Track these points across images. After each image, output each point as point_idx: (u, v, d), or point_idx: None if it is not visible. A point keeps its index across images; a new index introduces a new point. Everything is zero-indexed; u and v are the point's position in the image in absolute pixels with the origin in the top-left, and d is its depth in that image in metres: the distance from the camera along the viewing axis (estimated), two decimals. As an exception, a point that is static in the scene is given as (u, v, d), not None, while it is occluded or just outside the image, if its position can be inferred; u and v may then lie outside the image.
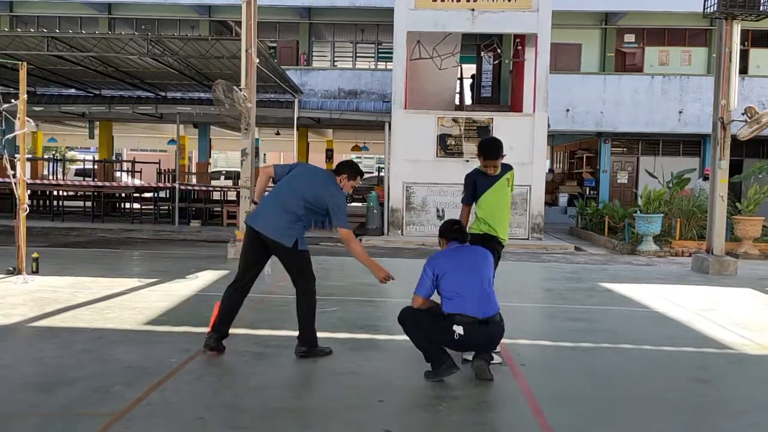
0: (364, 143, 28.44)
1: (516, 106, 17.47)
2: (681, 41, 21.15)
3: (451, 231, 4.49)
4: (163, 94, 17.93)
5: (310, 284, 4.65)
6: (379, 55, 21.71)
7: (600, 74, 20.40)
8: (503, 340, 4.54)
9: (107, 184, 18.10)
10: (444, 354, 4.22)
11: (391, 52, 16.42)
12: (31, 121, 8.24)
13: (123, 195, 18.65)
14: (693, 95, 19.47)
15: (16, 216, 7.83)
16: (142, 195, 18.75)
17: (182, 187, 17.19)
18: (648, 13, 20.29)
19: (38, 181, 18.40)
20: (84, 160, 25.57)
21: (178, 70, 14.65)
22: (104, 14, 21.56)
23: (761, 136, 12.71)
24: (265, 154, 35.12)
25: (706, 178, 14.03)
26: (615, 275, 9.75)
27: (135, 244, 13.07)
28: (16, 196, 7.72)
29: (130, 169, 23.62)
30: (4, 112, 7.43)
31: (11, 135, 7.98)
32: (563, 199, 22.16)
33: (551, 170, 24.98)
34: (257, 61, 10.78)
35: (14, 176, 7.65)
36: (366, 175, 37.86)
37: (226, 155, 46.80)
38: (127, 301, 6.56)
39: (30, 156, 20.22)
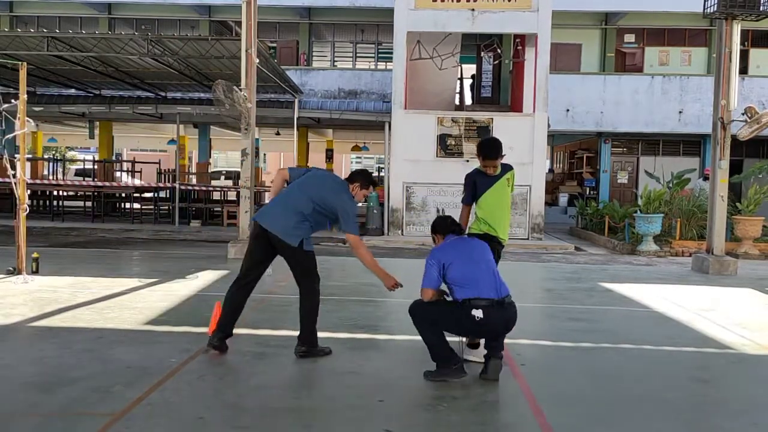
0: (364, 143, 28.42)
1: (516, 106, 17.47)
2: (681, 41, 21.15)
3: (447, 225, 4.52)
4: (163, 94, 17.93)
5: (314, 284, 4.66)
6: (379, 55, 21.71)
7: (600, 74, 20.40)
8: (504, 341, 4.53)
9: (107, 184, 18.10)
10: (453, 356, 4.23)
11: (391, 52, 16.43)
12: (31, 121, 8.24)
13: (123, 195, 18.65)
14: (693, 95, 19.47)
15: (16, 216, 7.83)
16: (142, 195, 18.75)
17: (182, 187, 17.18)
18: (648, 13, 20.29)
19: (38, 181, 18.39)
20: (84, 160, 25.57)
21: (178, 70, 14.65)
22: (104, 14, 21.55)
23: (761, 136, 12.72)
24: (265, 154, 35.09)
25: (706, 178, 14.04)
26: (615, 275, 9.75)
27: (135, 244, 13.07)
28: (16, 196, 7.72)
29: (130, 169, 23.62)
30: (4, 112, 7.43)
31: (11, 135, 7.98)
32: (563, 199, 22.16)
33: (551, 170, 24.98)
34: (257, 61, 10.78)
35: (14, 176, 7.65)
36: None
37: (226, 155, 46.80)
38: (127, 301, 6.56)
39: (30, 156, 20.22)
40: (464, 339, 4.68)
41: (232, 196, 19.42)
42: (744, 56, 18.85)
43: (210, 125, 22.82)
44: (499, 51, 17.83)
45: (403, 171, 15.37)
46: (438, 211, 15.16)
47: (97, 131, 23.00)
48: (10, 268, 7.75)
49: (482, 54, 18.51)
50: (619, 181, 21.63)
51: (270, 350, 4.85)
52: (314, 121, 20.58)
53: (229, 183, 25.42)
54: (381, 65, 21.32)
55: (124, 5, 21.46)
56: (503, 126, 15.11)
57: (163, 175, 19.04)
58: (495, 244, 4.87)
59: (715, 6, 9.94)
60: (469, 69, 20.72)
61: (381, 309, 6.78)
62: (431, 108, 16.45)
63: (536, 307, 7.11)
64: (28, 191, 12.85)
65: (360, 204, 4.89)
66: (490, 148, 4.96)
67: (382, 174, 20.70)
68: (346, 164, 46.34)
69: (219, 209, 18.04)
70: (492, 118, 15.43)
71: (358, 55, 22.10)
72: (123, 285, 7.42)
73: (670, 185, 14.59)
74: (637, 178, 21.22)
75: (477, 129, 15.22)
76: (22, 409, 3.58)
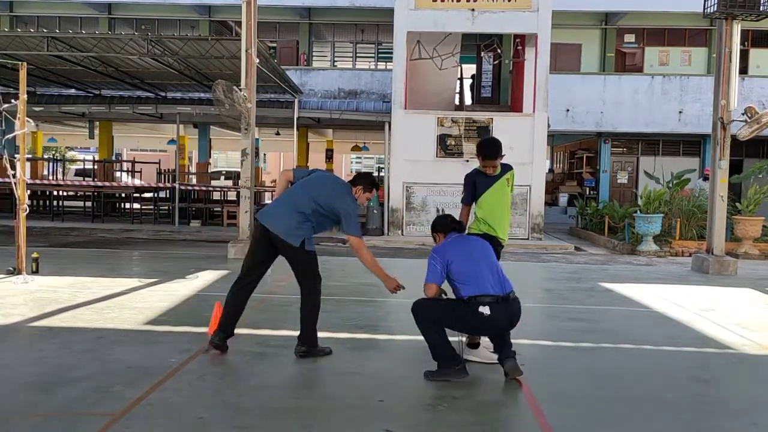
0: (364, 143, 28.42)
1: (516, 106, 17.47)
2: (681, 41, 21.15)
3: (448, 223, 4.53)
4: (163, 94, 17.94)
5: (315, 284, 4.66)
6: (379, 55, 21.71)
7: (600, 74, 20.40)
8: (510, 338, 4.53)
9: (107, 184, 18.10)
10: (455, 356, 4.24)
11: (391, 52, 16.43)
12: (31, 121, 8.24)
13: (123, 195, 18.65)
14: (693, 95, 19.47)
15: (16, 216, 7.83)
16: (142, 195, 18.75)
17: (182, 187, 17.19)
18: (648, 13, 20.29)
19: (38, 181, 18.39)
20: (84, 160, 25.56)
21: (178, 70, 14.65)
22: (104, 14, 21.56)
23: (761, 136, 12.72)
24: (265, 154, 35.09)
25: (706, 178, 14.04)
26: (615, 275, 9.75)
27: (135, 244, 13.07)
28: (16, 196, 7.72)
29: (130, 169, 23.62)
30: (4, 112, 7.43)
31: (11, 135, 7.98)
32: (563, 199, 22.16)
33: (551, 170, 24.99)
34: (257, 61, 10.78)
35: (14, 176, 7.65)
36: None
37: (226, 155, 46.79)
38: (127, 301, 6.56)
39: (30, 156, 20.22)
40: (464, 339, 4.68)
41: (232, 196, 19.42)
42: (744, 56, 18.85)
43: (210, 125, 22.82)
44: (499, 51, 17.83)
45: (403, 171, 15.38)
46: (438, 211, 15.16)
47: (97, 131, 23.00)
48: (10, 268, 7.75)
49: (482, 54, 18.52)
50: (619, 181, 21.63)
51: (270, 350, 4.85)
52: (314, 121, 20.58)
53: (229, 183, 25.41)
54: (381, 65, 21.32)
55: (124, 5, 21.46)
56: (503, 126, 15.11)
57: (163, 175, 19.04)
58: (495, 244, 4.86)
59: (715, 6, 9.94)
60: (469, 69, 20.73)
61: (381, 309, 6.78)
62: (431, 108, 16.45)
63: (536, 307, 7.10)
64: (28, 191, 12.85)
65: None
66: (489, 148, 4.96)
67: (382, 174, 20.70)
68: (346, 164, 46.35)
69: (219, 209, 18.03)
70: (492, 118, 15.43)
71: (358, 55, 22.10)
72: (123, 285, 7.42)
73: (670, 185, 14.59)
74: (637, 178, 21.22)
75: (477, 129, 15.22)
76: (22, 409, 3.58)
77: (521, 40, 16.77)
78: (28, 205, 9.43)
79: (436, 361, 4.26)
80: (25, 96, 7.86)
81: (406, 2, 15.26)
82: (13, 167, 7.77)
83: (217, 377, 4.25)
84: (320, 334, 4.78)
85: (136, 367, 4.32)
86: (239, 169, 11.37)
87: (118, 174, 25.18)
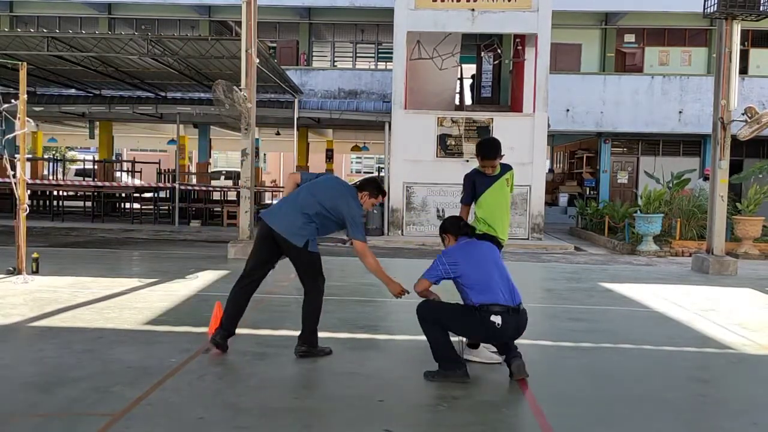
0: (364, 143, 28.43)
1: (516, 106, 17.47)
2: (681, 41, 21.16)
3: (460, 227, 4.51)
4: (163, 94, 17.94)
5: (318, 284, 4.66)
6: (379, 55, 21.71)
7: (600, 74, 20.40)
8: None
9: (107, 184, 18.10)
10: (457, 358, 4.25)
11: (391, 52, 16.43)
12: (31, 121, 8.24)
13: (123, 195, 18.66)
14: (693, 95, 19.47)
15: (16, 216, 7.83)
16: (142, 195, 18.75)
17: (182, 187, 17.19)
18: (648, 13, 20.29)
19: (38, 181, 18.40)
20: (84, 160, 25.56)
21: (178, 70, 14.65)
22: (104, 14, 21.56)
23: (761, 136, 12.72)
24: (265, 154, 35.10)
25: (706, 178, 14.04)
26: (615, 275, 9.75)
27: (135, 244, 13.07)
28: (16, 196, 7.72)
29: (130, 169, 23.62)
30: (4, 112, 7.43)
31: (11, 135, 7.98)
32: (563, 199, 22.16)
33: (551, 170, 24.99)
34: (257, 61, 10.78)
35: (14, 176, 7.65)
36: (366, 175, 37.90)
37: (226, 155, 46.80)
38: (127, 301, 6.56)
39: (30, 156, 20.22)
40: (464, 339, 4.68)
41: (232, 196, 19.42)
42: (744, 56, 18.85)
43: (210, 125, 22.83)
44: (499, 51, 17.84)
45: (403, 171, 15.38)
46: (438, 211, 15.18)
47: (97, 131, 23.01)
48: (10, 268, 7.75)
49: (482, 54, 18.52)
50: (619, 181, 21.63)
51: (270, 350, 4.85)
52: (314, 121, 20.58)
53: (229, 183, 25.42)
54: (381, 65, 21.32)
55: (124, 5, 21.46)
56: (503, 126, 15.12)
57: (163, 175, 19.04)
58: (494, 244, 4.86)
59: (715, 6, 9.94)
60: (469, 69, 20.73)
61: (381, 309, 6.78)
62: (431, 108, 16.45)
63: (536, 307, 7.10)
64: (28, 191, 12.85)
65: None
66: (488, 148, 4.96)
67: (382, 174, 20.71)
68: (346, 164, 46.37)
69: (219, 209, 18.04)
70: (492, 118, 15.43)
71: (358, 55, 22.10)
72: (123, 285, 7.42)
73: (670, 185, 14.59)
74: (637, 178, 21.22)
75: (477, 129, 15.22)
76: (22, 409, 3.58)
77: (521, 40, 16.77)
78: (28, 205, 9.43)
79: (437, 362, 4.26)
80: (25, 96, 7.86)
81: (406, 2, 15.26)
82: (13, 167, 7.78)
83: (217, 377, 4.25)
84: (320, 334, 4.78)
85: (136, 367, 4.32)
86: (239, 169, 11.36)
87: (118, 174, 25.18)
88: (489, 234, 4.88)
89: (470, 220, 5.08)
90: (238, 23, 12.49)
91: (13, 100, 7.67)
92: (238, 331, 4.80)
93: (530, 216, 15.14)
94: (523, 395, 4.06)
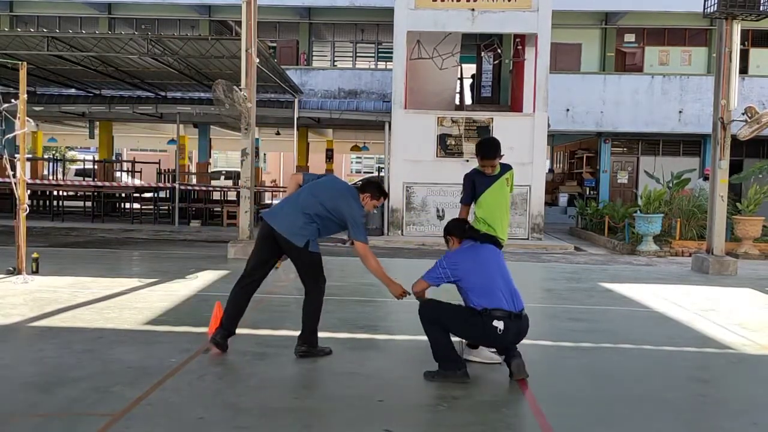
0: (364, 143, 28.43)
1: (516, 106, 17.48)
2: (681, 41, 21.16)
3: (464, 230, 4.50)
4: (163, 94, 17.94)
5: (319, 284, 4.66)
6: (379, 55, 21.71)
7: (600, 74, 20.40)
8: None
9: (107, 184, 18.11)
10: (457, 359, 4.25)
11: (391, 52, 16.43)
12: (31, 121, 8.24)
13: (123, 195, 18.66)
14: (693, 95, 19.47)
15: (16, 216, 7.83)
16: (142, 195, 18.75)
17: (182, 187, 17.19)
18: (648, 13, 20.29)
19: (38, 181, 18.40)
20: (84, 160, 25.57)
21: (178, 70, 14.65)
22: (104, 14, 21.56)
23: (761, 136, 12.72)
24: (265, 154, 35.10)
25: (706, 178, 14.04)
26: (615, 275, 9.75)
27: (135, 244, 13.07)
28: (16, 196, 7.72)
29: (130, 169, 23.62)
30: (4, 112, 7.43)
31: (11, 135, 7.98)
32: (563, 199, 22.16)
33: (551, 170, 24.99)
34: (257, 61, 10.78)
35: (14, 176, 7.65)
36: (366, 175, 37.90)
37: (226, 155, 46.80)
38: (127, 301, 6.56)
39: (30, 156, 20.22)
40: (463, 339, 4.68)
41: (232, 196, 19.42)
42: (744, 56, 18.85)
43: (210, 125, 22.83)
44: (499, 51, 17.84)
45: (403, 171, 15.38)
46: (438, 211, 15.18)
47: (97, 131, 23.01)
48: (10, 268, 7.75)
49: (482, 54, 18.52)
50: (619, 181, 21.63)
51: (270, 350, 4.85)
52: (314, 121, 20.59)
53: (229, 183, 25.43)
54: (381, 65, 21.32)
55: (124, 5, 21.46)
56: (503, 126, 15.11)
57: (163, 175, 19.04)
58: (494, 245, 4.86)
59: (715, 6, 9.93)
60: (469, 69, 20.73)
61: (381, 309, 6.78)
62: (431, 108, 16.45)
63: (536, 307, 7.10)
64: (28, 191, 12.85)
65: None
66: (487, 148, 4.96)
67: (382, 174, 20.71)
68: (346, 164, 46.37)
69: (219, 209, 18.03)
70: (492, 118, 15.43)
71: (358, 55, 22.10)
72: (123, 285, 7.42)
73: (670, 185, 14.59)
74: (637, 178, 21.23)
75: (477, 129, 15.22)
76: (22, 409, 3.58)
77: (521, 40, 16.77)
78: (28, 205, 9.43)
79: (437, 362, 4.26)
80: (25, 96, 7.86)
81: (406, 2, 15.26)
82: (13, 167, 7.77)
83: (217, 377, 4.25)
84: (320, 334, 4.78)
85: (136, 367, 4.32)
86: (239, 169, 11.36)
87: (118, 174, 25.20)
88: (489, 234, 4.88)
89: (470, 219, 5.08)
90: (238, 23, 12.49)
91: (13, 100, 7.67)
92: (238, 331, 4.80)
93: (530, 216, 15.14)
94: (523, 395, 4.06)
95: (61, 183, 18.86)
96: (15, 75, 10.99)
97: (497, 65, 18.60)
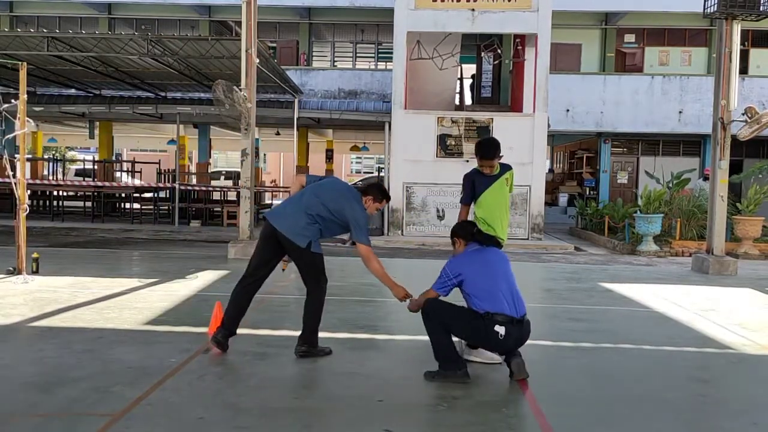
0: (364, 143, 28.44)
1: (516, 106, 17.48)
2: (681, 41, 21.16)
3: (471, 233, 4.48)
4: (163, 94, 17.94)
5: (320, 284, 4.67)
6: (379, 55, 21.71)
7: (600, 74, 20.40)
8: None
9: (107, 184, 18.11)
10: (458, 359, 4.25)
11: (391, 52, 16.43)
12: (31, 121, 8.24)
13: (123, 195, 18.65)
14: (693, 95, 19.47)
15: (16, 216, 7.83)
16: (142, 195, 18.75)
17: (182, 187, 17.19)
18: (648, 13, 20.30)
19: (38, 181, 18.40)
20: (84, 160, 25.57)
21: (178, 70, 14.65)
22: (104, 14, 21.56)
23: (761, 136, 12.72)
24: (265, 154, 35.11)
25: (706, 178, 14.04)
26: (615, 275, 9.75)
27: (135, 244, 13.07)
28: (16, 196, 7.72)
29: (130, 169, 23.63)
30: (4, 112, 7.43)
31: (11, 135, 7.98)
32: (563, 199, 22.17)
33: (551, 170, 24.99)
34: (257, 61, 10.78)
35: (14, 176, 7.65)
36: (366, 176, 37.90)
37: (226, 155, 46.80)
38: (127, 301, 6.56)
39: (30, 156, 20.22)
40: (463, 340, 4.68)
41: (232, 196, 19.42)
42: (744, 56, 18.85)
43: (210, 125, 22.83)
44: (499, 51, 17.83)
45: (403, 171, 15.38)
46: (438, 211, 15.18)
47: (97, 131, 23.01)
48: (10, 268, 7.75)
49: (482, 54, 18.52)
50: (619, 181, 21.63)
51: (270, 350, 4.85)
52: (314, 121, 20.59)
53: (229, 183, 25.42)
54: (381, 65, 21.33)
55: (124, 5, 21.46)
56: (503, 126, 15.12)
57: (163, 175, 19.05)
58: (494, 245, 4.86)
59: (715, 6, 9.94)
60: (469, 69, 20.73)
61: (381, 309, 6.78)
62: (431, 108, 16.46)
63: (536, 307, 7.10)
64: (28, 191, 12.85)
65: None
66: (486, 148, 4.96)
67: (382, 174, 20.70)
68: (346, 164, 46.37)
69: (219, 209, 18.04)
70: (492, 118, 15.43)
71: (358, 55, 22.10)
72: (123, 285, 7.42)
73: (670, 185, 14.59)
74: (637, 178, 21.23)
75: (477, 129, 15.22)
76: (22, 409, 3.58)
77: (521, 40, 16.78)
78: (28, 205, 9.43)
79: (438, 362, 4.26)
80: (25, 96, 7.86)
81: (406, 2, 15.26)
82: (13, 167, 7.78)
83: (217, 377, 4.25)
84: (320, 334, 4.78)
85: (136, 367, 4.32)
86: (239, 169, 11.36)
87: (118, 174, 25.21)
88: (488, 234, 4.88)
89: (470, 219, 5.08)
90: (238, 23, 12.49)
91: (13, 100, 7.67)
92: (238, 331, 4.80)
93: (530, 216, 15.14)
94: (523, 395, 4.06)
95: (61, 183, 18.86)
96: (15, 75, 10.99)
97: (497, 65, 18.60)
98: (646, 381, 4.43)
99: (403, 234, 15.19)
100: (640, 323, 6.34)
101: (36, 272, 7.86)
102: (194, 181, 21.85)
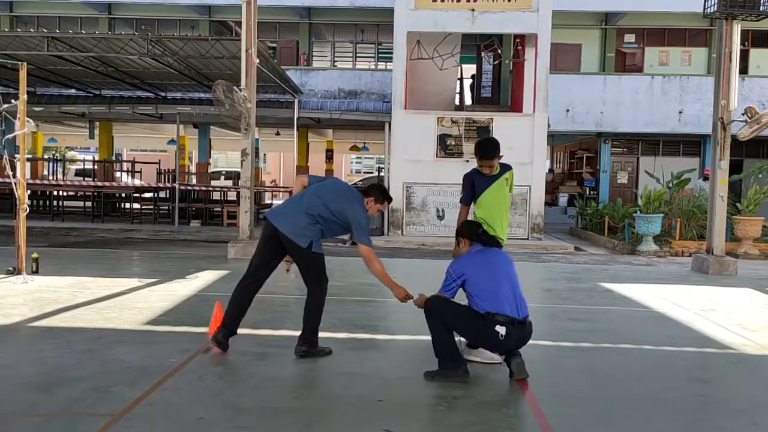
0: (364, 143, 28.44)
1: (516, 106, 17.48)
2: (681, 41, 21.16)
3: (476, 234, 4.48)
4: (163, 94, 17.94)
5: (321, 285, 4.67)
6: (379, 55, 21.71)
7: (600, 74, 20.40)
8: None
9: (107, 184, 18.11)
10: (458, 357, 4.25)
11: (391, 52, 16.43)
12: (31, 121, 8.24)
13: (123, 195, 18.66)
14: (693, 95, 19.47)
15: (16, 216, 7.83)
16: (142, 195, 18.75)
17: (182, 187, 17.19)
18: (648, 13, 20.30)
19: (38, 181, 18.40)
20: (84, 160, 25.57)
21: (178, 70, 14.65)
22: (104, 14, 21.56)
23: (761, 136, 12.71)
24: (265, 154, 35.11)
25: (706, 178, 14.04)
26: (615, 275, 9.75)
27: (135, 244, 13.07)
28: (16, 196, 7.72)
29: (130, 169, 23.63)
30: (4, 112, 7.43)
31: (11, 135, 7.98)
32: (563, 199, 22.17)
33: (551, 170, 24.99)
34: (257, 61, 10.78)
35: (14, 176, 7.65)
36: (366, 176, 37.91)
37: (226, 155, 46.80)
38: (127, 301, 6.56)
39: (30, 156, 20.22)
40: (464, 339, 4.68)
41: (232, 196, 19.42)
42: (744, 56, 18.85)
43: (210, 125, 22.84)
44: (499, 51, 17.83)
45: (403, 171, 15.38)
46: (438, 211, 15.18)
47: (97, 131, 23.02)
48: (10, 268, 7.75)
49: (482, 54, 18.51)
50: (619, 181, 21.64)
51: (270, 350, 4.85)
52: (314, 121, 20.59)
53: (229, 183, 25.43)
54: (381, 65, 21.33)
55: (124, 5, 21.46)
56: (503, 126, 15.12)
57: (162, 176, 19.05)
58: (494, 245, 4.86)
59: (715, 6, 9.93)
60: (469, 69, 20.72)
61: (381, 309, 6.78)
62: (431, 108, 16.46)
63: (536, 307, 7.09)
64: (28, 191, 12.85)
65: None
66: (486, 148, 4.96)
67: (382, 174, 20.70)
68: (346, 164, 46.36)
69: (219, 209, 18.03)
70: (492, 118, 15.43)
71: (358, 55, 22.10)
72: (123, 285, 7.42)
73: (670, 185, 14.59)
74: (637, 178, 21.23)
75: (477, 129, 15.22)
76: (22, 409, 3.58)
77: (521, 40, 16.78)
78: (28, 205, 9.43)
79: (438, 359, 4.26)
80: (25, 96, 7.86)
81: (406, 2, 15.26)
82: (13, 167, 7.78)
83: (217, 377, 4.25)
84: (320, 334, 4.78)
85: (136, 367, 4.32)
86: (239, 169, 11.36)
87: (118, 174, 25.21)
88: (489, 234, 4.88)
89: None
90: (238, 23, 12.49)
91: (13, 100, 7.67)
92: (238, 331, 4.80)
93: (530, 216, 15.14)
94: (523, 395, 4.06)
95: (61, 183, 18.86)
96: (15, 75, 10.99)
97: (497, 65, 18.60)
98: (646, 381, 4.43)
99: (403, 234, 15.19)
100: (640, 323, 6.34)
101: (36, 272, 7.86)
102: (194, 181, 21.85)
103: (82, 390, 3.85)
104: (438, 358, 4.27)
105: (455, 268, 4.31)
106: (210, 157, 25.88)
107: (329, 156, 26.69)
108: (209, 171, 24.67)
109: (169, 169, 19.61)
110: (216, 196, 19.55)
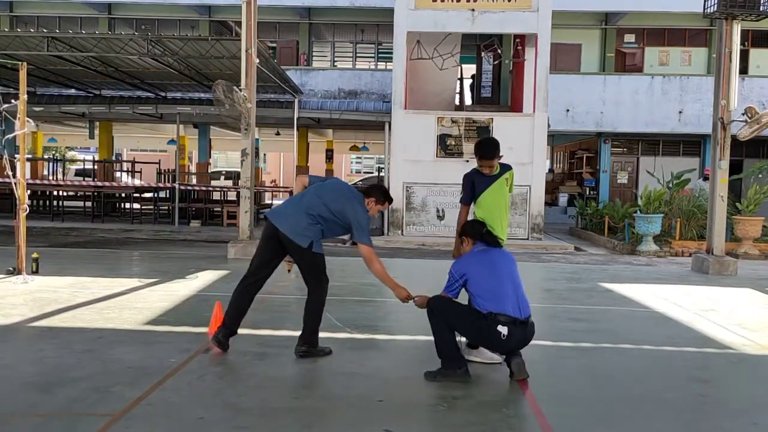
0: (364, 143, 28.43)
1: (516, 106, 17.48)
2: (681, 41, 21.16)
3: (480, 233, 4.48)
4: (163, 94, 17.94)
5: (321, 285, 4.67)
6: (379, 55, 21.71)
7: (600, 74, 20.40)
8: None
9: (107, 184, 18.11)
10: (459, 357, 4.25)
11: (391, 52, 16.43)
12: (31, 121, 8.24)
13: (123, 195, 18.66)
14: (693, 95, 19.47)
15: (16, 216, 7.83)
16: (142, 195, 18.75)
17: (182, 187, 17.19)
18: (648, 13, 20.30)
19: (38, 181, 18.40)
20: (84, 160, 25.57)
21: (178, 70, 14.65)
22: (104, 14, 21.56)
23: (761, 136, 12.72)
24: (265, 154, 35.10)
25: (706, 178, 14.04)
26: (615, 275, 9.75)
27: (135, 244, 13.07)
28: (16, 197, 7.72)
29: (130, 169, 23.63)
30: (4, 112, 7.43)
31: (11, 135, 7.98)
32: (563, 199, 22.17)
33: (551, 170, 24.99)
34: (257, 61, 10.78)
35: (14, 176, 7.65)
36: (366, 176, 37.91)
37: (226, 155, 46.81)
38: (127, 301, 6.56)
39: (30, 156, 20.22)
40: (464, 338, 4.68)
41: (232, 196, 19.42)
42: (744, 56, 18.85)
43: (210, 125, 22.83)
44: (499, 51, 17.83)
45: (403, 171, 15.38)
46: (438, 211, 15.18)
47: (97, 131, 23.01)
48: (10, 268, 7.75)
49: (482, 54, 18.52)
50: (619, 181, 21.64)
51: (270, 350, 4.85)
52: (314, 121, 20.59)
53: (229, 183, 25.43)
54: (381, 65, 21.33)
55: (124, 5, 21.46)
56: (503, 126, 15.12)
57: (162, 176, 19.05)
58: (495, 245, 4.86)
59: (715, 6, 9.93)
60: (469, 69, 20.73)
61: (381, 309, 6.78)
62: (431, 108, 16.46)
63: (536, 308, 7.08)
64: (28, 191, 12.85)
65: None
66: (486, 148, 4.96)
67: (382, 174, 20.70)
68: (346, 164, 46.37)
69: (219, 209, 18.04)
70: (492, 118, 15.43)
71: (358, 55, 22.10)
72: (123, 285, 7.42)
73: (670, 185, 14.59)
74: (637, 178, 21.24)
75: (477, 129, 15.22)
76: (22, 409, 3.58)
77: (521, 40, 16.78)
78: (28, 205, 9.43)
79: (440, 358, 4.26)
80: (25, 96, 7.86)
81: (406, 2, 15.27)
82: (13, 167, 7.78)
83: (217, 377, 4.25)
84: (320, 334, 4.78)
85: (136, 367, 4.32)
86: (239, 169, 11.36)
87: (118, 174, 25.21)
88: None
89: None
90: (238, 23, 12.49)
91: (13, 100, 7.67)
92: (238, 331, 4.80)
93: (530, 216, 15.14)
94: (523, 395, 4.06)
95: (61, 183, 18.86)
96: (15, 75, 10.99)
97: (497, 65, 18.60)
98: (646, 381, 4.43)
99: (403, 234, 15.19)
100: (640, 323, 6.34)
101: (36, 272, 7.86)
102: (194, 181, 21.85)
103: (82, 390, 3.85)
104: (440, 357, 4.27)
105: (457, 268, 4.31)
106: (210, 157, 25.88)
107: (329, 156, 26.69)
108: (209, 171, 24.68)
109: (169, 169, 19.61)
110: (216, 196, 19.56)
